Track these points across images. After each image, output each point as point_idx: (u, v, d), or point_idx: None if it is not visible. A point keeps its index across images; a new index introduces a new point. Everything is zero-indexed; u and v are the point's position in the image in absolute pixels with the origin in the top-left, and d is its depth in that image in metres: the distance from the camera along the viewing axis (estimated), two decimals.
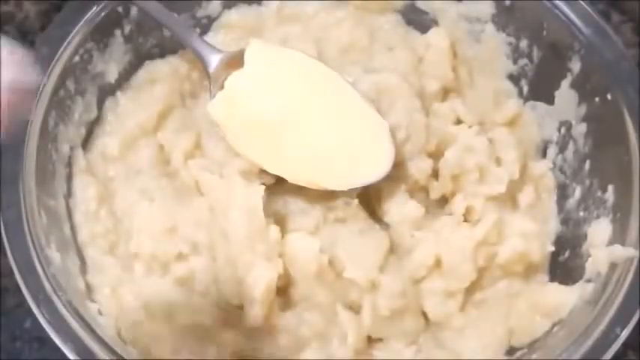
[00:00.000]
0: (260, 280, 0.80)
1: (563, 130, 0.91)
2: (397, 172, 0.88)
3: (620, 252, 0.78)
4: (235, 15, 0.97)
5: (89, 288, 0.81)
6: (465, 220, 0.88)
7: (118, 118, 0.90)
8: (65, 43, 0.84)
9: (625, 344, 0.73)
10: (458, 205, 0.88)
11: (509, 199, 0.90)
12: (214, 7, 0.96)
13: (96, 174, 0.87)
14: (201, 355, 0.80)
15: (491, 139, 0.91)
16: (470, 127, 0.92)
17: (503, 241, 0.86)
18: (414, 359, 0.84)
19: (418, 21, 0.98)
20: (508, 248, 0.85)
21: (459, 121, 0.93)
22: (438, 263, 0.85)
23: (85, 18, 0.86)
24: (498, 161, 0.90)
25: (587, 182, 0.88)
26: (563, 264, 0.88)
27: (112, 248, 0.85)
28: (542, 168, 0.92)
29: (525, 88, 0.96)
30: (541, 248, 0.87)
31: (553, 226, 0.91)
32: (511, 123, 0.95)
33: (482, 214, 0.87)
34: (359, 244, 0.86)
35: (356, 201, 0.87)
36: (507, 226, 0.86)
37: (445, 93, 0.95)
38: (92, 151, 0.89)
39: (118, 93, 0.92)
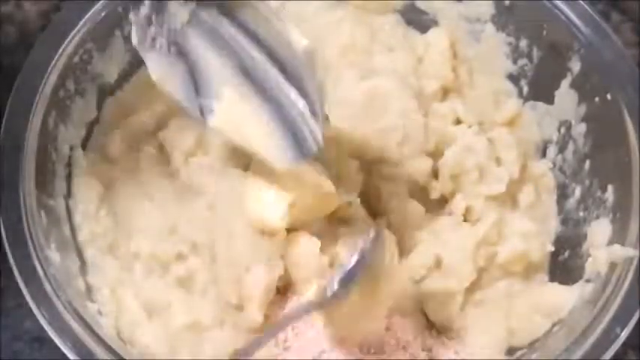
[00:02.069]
0: (260, 280, 0.80)
1: (562, 129, 0.91)
2: (397, 171, 0.88)
3: (620, 252, 0.78)
4: None
5: (89, 288, 0.81)
6: (465, 220, 0.88)
7: (118, 118, 0.90)
8: (65, 43, 0.84)
9: (625, 344, 0.73)
10: (458, 205, 0.88)
11: (509, 198, 0.90)
12: None
13: (96, 174, 0.87)
14: (200, 354, 0.80)
15: (491, 139, 0.91)
16: (470, 126, 0.92)
17: (503, 241, 0.86)
18: (414, 359, 0.84)
19: (418, 21, 0.98)
20: (508, 248, 0.85)
21: (458, 121, 0.93)
22: (438, 263, 0.85)
23: (85, 18, 0.86)
24: (498, 161, 0.90)
25: (587, 182, 0.88)
26: (563, 264, 0.88)
27: (111, 248, 0.85)
28: (542, 168, 0.92)
29: (525, 88, 0.96)
30: (541, 248, 0.87)
31: (553, 226, 0.91)
32: (511, 123, 0.94)
33: (482, 214, 0.87)
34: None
35: (357, 200, 0.87)
36: (507, 226, 0.87)
37: (445, 93, 0.95)
38: (92, 151, 0.89)
39: (119, 93, 0.92)
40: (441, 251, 0.85)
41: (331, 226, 0.87)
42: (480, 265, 0.85)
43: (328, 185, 0.83)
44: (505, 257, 0.85)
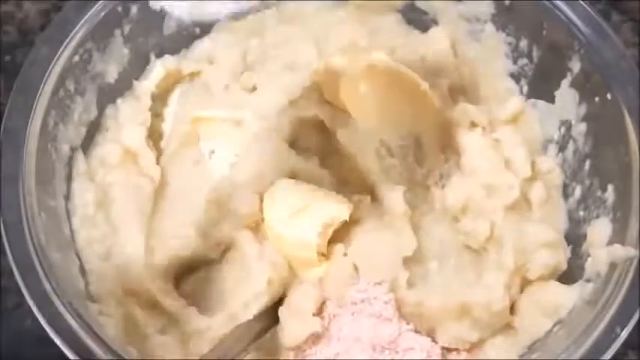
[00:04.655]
0: (308, 299, 0.82)
1: (563, 129, 0.91)
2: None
3: (620, 252, 0.78)
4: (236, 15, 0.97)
5: (92, 297, 0.81)
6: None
7: (118, 127, 0.90)
8: (65, 43, 0.84)
9: (625, 344, 0.73)
10: (474, 230, 0.87)
11: (523, 201, 0.89)
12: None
13: (95, 179, 0.87)
14: None
15: (498, 140, 0.91)
16: (483, 128, 0.92)
17: (531, 257, 0.84)
18: (429, 359, 0.84)
19: (418, 21, 0.98)
20: (538, 265, 0.84)
21: (473, 124, 0.93)
22: (465, 311, 0.83)
23: (85, 18, 0.86)
24: (507, 163, 0.90)
25: (587, 182, 0.88)
26: None
27: (109, 255, 0.84)
28: (549, 164, 0.92)
29: (525, 88, 0.96)
30: (565, 254, 0.86)
31: (562, 223, 0.90)
32: (514, 120, 0.94)
33: (501, 231, 0.86)
34: (372, 244, 0.87)
35: (368, 198, 0.87)
36: (529, 237, 0.85)
37: (450, 92, 0.95)
38: (92, 157, 0.89)
39: (119, 100, 0.92)
40: (467, 298, 0.83)
41: (346, 226, 0.88)
42: (514, 294, 0.84)
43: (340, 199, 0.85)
44: (537, 274, 0.84)
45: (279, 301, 0.83)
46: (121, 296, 0.81)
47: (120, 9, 0.89)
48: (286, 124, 0.91)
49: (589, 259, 0.82)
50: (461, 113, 0.93)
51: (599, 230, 0.83)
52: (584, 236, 0.85)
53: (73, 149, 0.86)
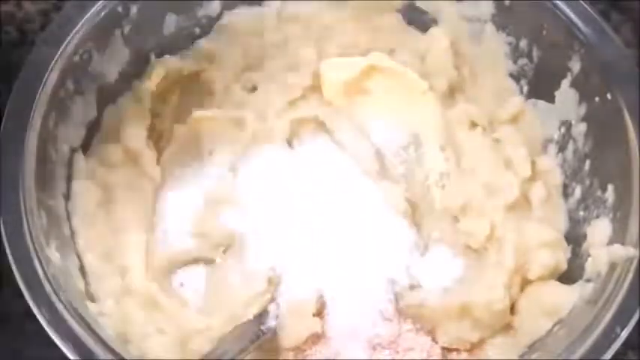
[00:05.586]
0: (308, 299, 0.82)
1: (563, 129, 0.91)
2: None
3: (620, 252, 0.78)
4: (236, 15, 0.97)
5: (92, 297, 0.81)
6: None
7: (118, 127, 0.90)
8: (65, 43, 0.84)
9: (625, 344, 0.73)
10: (474, 230, 0.87)
11: (523, 200, 0.89)
12: (214, 7, 0.96)
13: (95, 179, 0.87)
14: None
15: (498, 140, 0.91)
16: (483, 128, 0.92)
17: (532, 257, 0.84)
18: (429, 359, 0.84)
19: (418, 21, 0.98)
20: (538, 265, 0.84)
21: (473, 124, 0.93)
22: (465, 311, 0.83)
23: (85, 18, 0.86)
24: (507, 162, 0.90)
25: (587, 182, 0.88)
26: None
27: (109, 256, 0.84)
28: (549, 163, 0.92)
29: (525, 88, 0.96)
30: (565, 254, 0.86)
31: (562, 223, 0.90)
32: (515, 119, 0.94)
33: (501, 230, 0.86)
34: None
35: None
36: (529, 236, 0.85)
37: (450, 91, 0.95)
38: (92, 157, 0.88)
39: (119, 100, 0.91)
40: (468, 299, 0.83)
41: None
42: (514, 294, 0.84)
43: None
44: (537, 274, 0.84)
45: None
46: (121, 296, 0.81)
47: (120, 9, 0.88)
48: (286, 124, 0.91)
49: (589, 259, 0.82)
50: (461, 113, 0.93)
51: (599, 230, 0.83)
52: (584, 236, 0.85)
53: (73, 149, 0.86)
